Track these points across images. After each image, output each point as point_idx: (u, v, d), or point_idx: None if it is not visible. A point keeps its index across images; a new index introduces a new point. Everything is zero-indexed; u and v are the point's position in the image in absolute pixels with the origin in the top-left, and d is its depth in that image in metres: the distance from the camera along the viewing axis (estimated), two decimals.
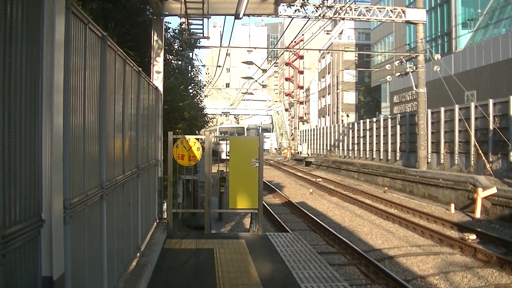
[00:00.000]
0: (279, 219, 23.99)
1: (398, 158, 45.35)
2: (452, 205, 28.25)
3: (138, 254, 10.22)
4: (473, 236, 19.96)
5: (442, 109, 37.06)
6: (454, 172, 33.87)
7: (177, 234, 15.05)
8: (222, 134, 70.81)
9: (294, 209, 28.65)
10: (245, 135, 76.15)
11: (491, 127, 31.00)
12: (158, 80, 14.79)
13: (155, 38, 15.06)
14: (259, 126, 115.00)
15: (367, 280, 14.65)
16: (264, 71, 58.15)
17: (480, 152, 31.15)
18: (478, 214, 25.45)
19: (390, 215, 25.73)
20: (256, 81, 66.09)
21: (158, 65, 14.99)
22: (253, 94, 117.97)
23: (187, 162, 15.19)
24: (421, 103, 37.42)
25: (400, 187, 38.21)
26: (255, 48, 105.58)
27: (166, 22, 17.52)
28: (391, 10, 37.05)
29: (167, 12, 15.49)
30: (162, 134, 14.71)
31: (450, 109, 35.93)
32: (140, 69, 10.27)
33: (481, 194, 25.69)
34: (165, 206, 15.03)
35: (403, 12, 37.01)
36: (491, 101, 31.38)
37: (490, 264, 16.12)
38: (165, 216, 14.89)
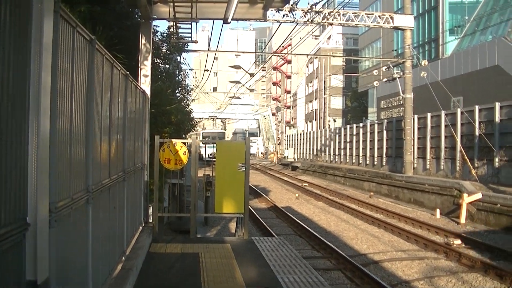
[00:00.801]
0: (264, 224, 24.00)
1: (384, 163, 45.51)
2: (438, 210, 28.38)
3: (123, 258, 10.18)
4: (458, 241, 20.09)
5: (429, 114, 37.24)
6: (440, 177, 34.02)
7: (162, 238, 15.01)
8: (205, 139, 71.31)
9: (280, 213, 28.66)
10: (225, 139, 78.10)
11: (477, 133, 31.18)
12: (145, 83, 14.76)
13: (143, 41, 15.04)
14: (246, 131, 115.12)
15: (352, 285, 14.68)
16: (252, 75, 58.10)
17: (466, 157, 31.31)
18: (463, 219, 25.55)
19: (375, 220, 25.80)
20: (243, 85, 66.11)
21: (145, 69, 14.96)
22: (240, 98, 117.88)
23: (173, 166, 15.17)
24: (407, 109, 37.56)
25: (386, 192, 38.32)
26: (243, 52, 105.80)
27: (154, 25, 17.49)
28: (379, 16, 37.22)
29: (155, 16, 15.46)
30: (148, 138, 14.69)
31: (437, 115, 36.11)
32: (128, 72, 10.25)
33: (466, 199, 25.80)
34: (151, 210, 14.98)
35: (391, 18, 37.17)
36: (477, 107, 31.58)
37: (474, 269, 16.20)
38: (151, 220, 14.85)
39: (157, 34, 20.81)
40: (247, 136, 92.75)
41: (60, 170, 5.26)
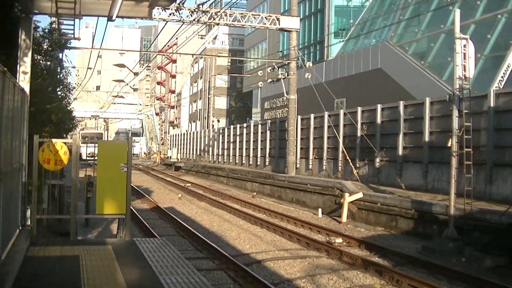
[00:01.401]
0: (147, 225, 23.71)
1: (267, 163, 45.95)
2: (320, 210, 28.90)
3: None
4: (339, 240, 20.54)
5: (312, 115, 37.87)
6: (322, 177, 34.68)
7: (41, 241, 14.49)
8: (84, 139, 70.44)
9: (162, 214, 28.40)
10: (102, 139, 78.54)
11: (359, 134, 31.98)
12: (24, 81, 14.21)
13: (23, 37, 14.47)
14: (129, 130, 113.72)
15: (235, 284, 14.66)
16: (136, 74, 57.61)
17: (348, 158, 32.03)
18: (344, 218, 26.10)
19: (258, 219, 25.97)
20: (127, 84, 65.26)
21: (25, 66, 14.39)
22: (124, 97, 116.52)
23: (53, 166, 14.68)
24: (291, 110, 38.04)
25: (269, 192, 38.68)
26: (127, 50, 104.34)
27: (35, 20, 16.86)
28: (265, 17, 37.58)
29: (36, 11, 14.91)
30: (27, 137, 14.16)
31: (320, 115, 36.77)
32: (6, 69, 9.82)
33: (347, 199, 26.35)
34: (29, 212, 14.45)
35: (278, 19, 37.61)
36: (359, 109, 32.38)
37: (355, 266, 16.56)
38: (29, 223, 14.33)
39: (38, 29, 20.10)
40: (129, 136, 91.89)
41: None
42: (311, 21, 57.58)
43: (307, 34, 58.13)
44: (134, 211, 26.17)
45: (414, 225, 22.72)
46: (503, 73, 28.97)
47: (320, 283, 14.83)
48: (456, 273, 15.67)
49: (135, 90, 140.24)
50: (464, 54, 19.71)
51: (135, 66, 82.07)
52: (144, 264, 11.88)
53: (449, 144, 20.08)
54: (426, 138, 26.71)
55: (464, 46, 19.75)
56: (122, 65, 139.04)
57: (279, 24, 37.73)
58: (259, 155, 48.06)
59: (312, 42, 57.70)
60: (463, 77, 19.70)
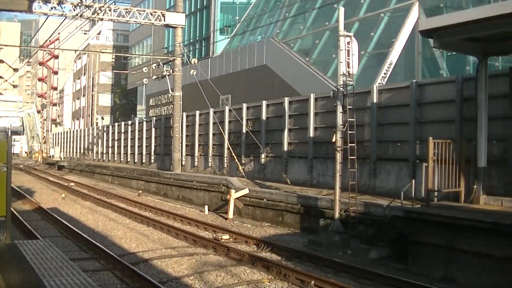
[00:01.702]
0: (29, 226, 22.71)
1: (153, 161, 45.45)
2: (206, 207, 28.73)
3: None
4: (226, 236, 20.44)
5: (197, 112, 37.66)
6: (208, 174, 34.55)
7: None
8: None
9: (45, 215, 27.36)
10: None
11: (244, 131, 31.99)
12: None
13: None
14: (8, 129, 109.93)
15: (122, 284, 14.24)
16: (16, 70, 55.54)
17: (234, 154, 32.00)
18: (231, 215, 26.02)
19: (144, 218, 25.49)
20: (6, 80, 62.90)
21: None
22: (2, 94, 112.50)
23: None
24: (176, 106, 37.71)
25: (154, 190, 38.21)
26: (6, 45, 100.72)
27: None
28: (151, 13, 37.14)
29: None
30: None
31: (206, 112, 36.60)
32: None
33: (233, 195, 26.29)
34: None
35: (163, 15, 37.27)
36: (244, 105, 32.42)
37: (242, 262, 16.45)
38: None
39: None
40: (9, 134, 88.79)
41: None
42: (197, 18, 57.45)
43: (193, 30, 57.98)
44: (15, 212, 25.07)
45: (300, 219, 22.86)
46: (386, 70, 29.77)
47: (208, 280, 14.63)
48: (342, 265, 15.86)
49: (14, 86, 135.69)
50: (348, 51, 19.94)
51: (15, 61, 79.33)
52: (27, 267, 11.25)
53: (333, 140, 20.32)
54: (311, 133, 26.97)
55: (348, 43, 19.99)
56: (0, 61, 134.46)
57: (164, 20, 37.35)
58: (144, 152, 47.45)
59: (198, 38, 57.57)
60: (347, 74, 19.94)
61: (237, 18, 51.69)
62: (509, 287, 13.50)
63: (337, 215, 19.58)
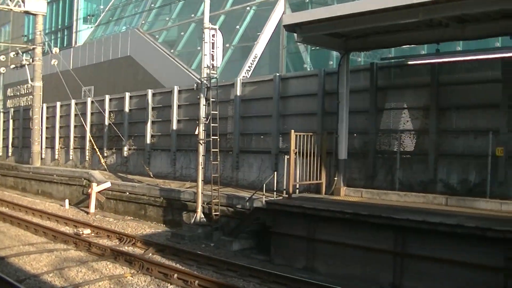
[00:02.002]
0: None
1: (10, 154, 43.89)
2: (67, 201, 28.14)
3: None
4: (87, 231, 20.20)
5: (58, 104, 36.73)
6: (69, 167, 33.81)
7: None
8: None
9: None
10: None
11: (106, 123, 31.48)
12: None
13: None
14: None
15: None
16: None
17: (95, 147, 31.43)
18: (92, 209, 25.61)
19: (1, 214, 24.50)
20: None
21: None
22: None
23: None
24: (36, 97, 36.59)
25: (12, 185, 36.93)
26: None
27: None
28: None
29: None
30: None
31: (67, 104, 35.73)
32: None
33: (95, 188, 25.91)
34: None
35: (23, 1, 35.98)
36: (107, 97, 31.94)
37: (104, 257, 16.26)
38: None
39: None
40: None
41: None
42: (60, 5, 55.78)
43: (55, 18, 56.29)
44: None
45: (163, 213, 22.86)
46: (251, 63, 30.04)
47: (68, 276, 14.26)
48: (204, 257, 16.05)
49: None
50: (213, 43, 20.04)
51: None
52: None
53: (196, 132, 20.39)
54: (174, 126, 26.92)
55: (213, 36, 20.08)
56: None
57: (24, 6, 36.07)
58: (1, 145, 45.67)
59: (60, 27, 55.95)
60: (211, 66, 20.05)
61: (102, 7, 50.66)
62: (363, 276, 14.05)
63: (199, 207, 19.74)
